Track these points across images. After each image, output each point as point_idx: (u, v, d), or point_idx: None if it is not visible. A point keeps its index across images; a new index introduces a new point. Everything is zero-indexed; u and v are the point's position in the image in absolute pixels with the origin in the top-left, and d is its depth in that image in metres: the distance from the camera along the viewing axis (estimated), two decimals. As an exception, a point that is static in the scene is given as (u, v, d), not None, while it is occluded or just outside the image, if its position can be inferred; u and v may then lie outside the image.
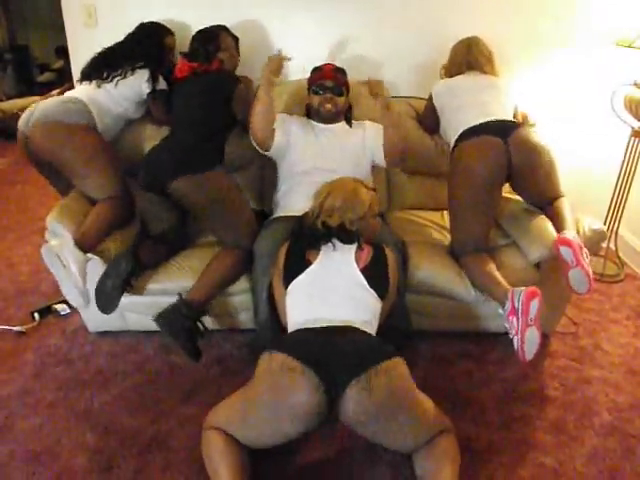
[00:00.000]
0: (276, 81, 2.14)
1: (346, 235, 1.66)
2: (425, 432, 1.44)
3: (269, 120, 2.08)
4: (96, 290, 1.87)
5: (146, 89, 2.20)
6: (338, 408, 1.35)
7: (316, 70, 2.24)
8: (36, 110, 2.07)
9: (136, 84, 2.19)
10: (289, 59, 2.14)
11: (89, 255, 1.90)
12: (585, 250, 1.79)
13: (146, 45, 2.26)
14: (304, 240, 1.70)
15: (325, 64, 2.25)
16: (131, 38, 2.28)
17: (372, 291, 1.59)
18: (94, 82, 2.18)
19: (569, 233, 1.84)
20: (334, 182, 1.75)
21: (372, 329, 1.56)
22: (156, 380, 1.94)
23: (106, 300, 1.87)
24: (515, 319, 1.71)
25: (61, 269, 1.81)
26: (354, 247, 1.66)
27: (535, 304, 1.67)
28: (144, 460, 1.61)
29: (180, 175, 1.92)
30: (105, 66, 2.20)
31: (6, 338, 2.16)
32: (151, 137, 2.29)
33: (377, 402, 1.33)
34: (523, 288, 1.72)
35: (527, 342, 1.68)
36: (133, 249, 1.94)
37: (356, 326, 1.50)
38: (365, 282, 1.59)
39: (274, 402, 1.35)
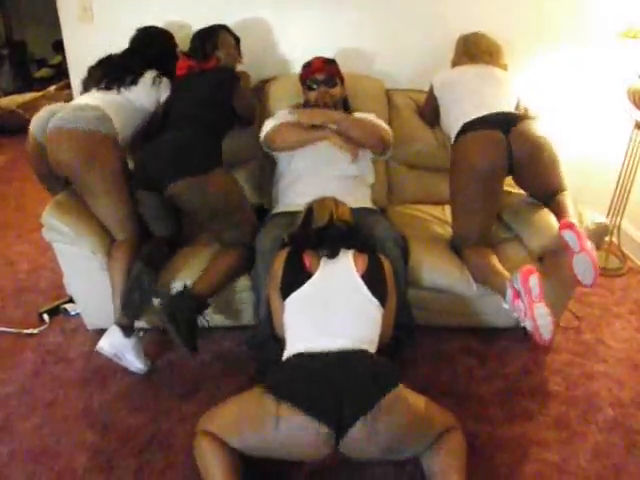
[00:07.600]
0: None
1: (340, 234, 1.66)
2: (431, 437, 1.44)
3: (294, 144, 2.10)
4: (123, 304, 1.85)
5: (164, 97, 2.16)
6: (341, 444, 1.35)
7: (306, 66, 2.21)
8: (51, 117, 1.94)
9: (154, 93, 2.14)
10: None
11: (138, 333, 1.92)
12: (590, 243, 1.76)
13: (159, 51, 2.21)
14: (302, 244, 1.68)
15: (314, 58, 2.21)
16: (139, 44, 2.20)
17: (374, 299, 1.57)
18: (110, 90, 2.07)
19: (572, 219, 1.81)
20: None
21: (373, 344, 1.54)
22: (156, 378, 1.93)
23: (135, 311, 1.87)
24: (520, 301, 1.69)
25: (118, 360, 1.89)
26: (350, 253, 1.64)
27: (534, 280, 1.64)
28: (144, 459, 1.60)
29: (179, 178, 1.85)
30: (118, 73, 2.10)
31: (5, 337, 2.14)
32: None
33: (381, 445, 1.35)
34: (518, 271, 1.70)
35: (539, 319, 1.65)
36: (147, 259, 1.91)
37: (357, 347, 1.48)
38: (366, 289, 1.57)
39: (280, 448, 1.37)
